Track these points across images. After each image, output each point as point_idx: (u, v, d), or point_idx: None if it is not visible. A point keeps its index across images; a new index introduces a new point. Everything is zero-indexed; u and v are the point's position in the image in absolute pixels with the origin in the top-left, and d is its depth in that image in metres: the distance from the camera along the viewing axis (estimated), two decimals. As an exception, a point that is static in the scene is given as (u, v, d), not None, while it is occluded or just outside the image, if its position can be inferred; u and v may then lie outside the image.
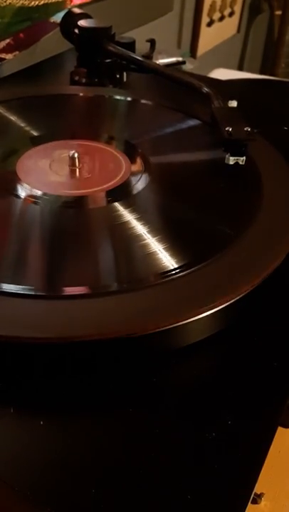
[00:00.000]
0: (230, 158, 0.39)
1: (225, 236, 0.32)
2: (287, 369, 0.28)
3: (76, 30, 0.58)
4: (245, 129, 0.40)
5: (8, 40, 0.61)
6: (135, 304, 0.27)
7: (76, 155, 0.39)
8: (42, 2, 0.63)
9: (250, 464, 0.23)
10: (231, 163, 0.40)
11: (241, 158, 0.39)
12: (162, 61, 0.62)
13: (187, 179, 0.40)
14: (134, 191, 0.37)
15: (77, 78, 0.59)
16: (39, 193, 0.36)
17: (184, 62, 0.65)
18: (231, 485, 0.22)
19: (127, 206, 0.35)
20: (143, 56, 0.58)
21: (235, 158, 0.39)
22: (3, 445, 0.24)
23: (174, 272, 0.29)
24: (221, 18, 1.69)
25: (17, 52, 0.62)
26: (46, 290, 0.28)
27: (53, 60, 0.66)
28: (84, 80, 0.58)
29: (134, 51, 0.59)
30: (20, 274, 0.29)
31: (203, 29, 1.56)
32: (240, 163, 0.39)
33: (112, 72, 0.59)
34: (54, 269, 0.30)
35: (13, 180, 0.37)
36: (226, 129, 0.40)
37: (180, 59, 0.65)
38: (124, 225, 0.33)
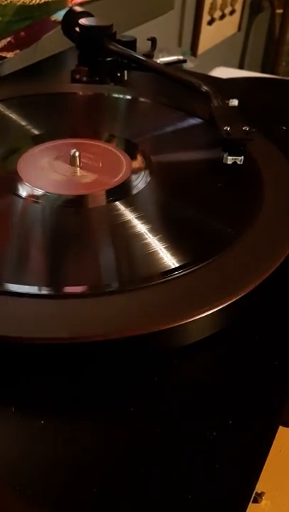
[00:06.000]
0: (229, 157, 0.39)
1: (226, 235, 0.32)
2: (288, 368, 0.28)
3: (77, 29, 0.58)
4: (244, 128, 0.40)
5: (9, 39, 0.61)
6: (136, 304, 0.27)
7: (77, 154, 0.39)
8: (43, 0, 0.63)
9: (251, 463, 0.23)
10: (229, 162, 0.39)
11: (239, 158, 0.39)
12: (163, 59, 0.62)
13: (188, 178, 0.40)
14: (135, 190, 0.37)
15: (78, 77, 0.59)
16: (40, 192, 0.36)
17: (184, 61, 0.65)
18: (232, 484, 0.22)
19: (127, 205, 0.35)
20: (144, 55, 0.58)
21: (234, 157, 0.39)
22: (4, 444, 0.24)
23: (174, 271, 0.29)
24: (222, 17, 1.68)
25: (18, 51, 0.62)
26: (47, 289, 0.28)
27: (54, 59, 0.66)
28: (85, 79, 0.58)
29: (135, 50, 0.59)
30: (21, 273, 0.29)
31: (204, 27, 1.56)
32: (239, 162, 0.39)
33: (113, 70, 0.59)
34: (54, 269, 0.30)
35: (14, 179, 0.37)
36: (224, 128, 0.40)
37: (181, 57, 0.65)
38: (125, 224, 0.33)
